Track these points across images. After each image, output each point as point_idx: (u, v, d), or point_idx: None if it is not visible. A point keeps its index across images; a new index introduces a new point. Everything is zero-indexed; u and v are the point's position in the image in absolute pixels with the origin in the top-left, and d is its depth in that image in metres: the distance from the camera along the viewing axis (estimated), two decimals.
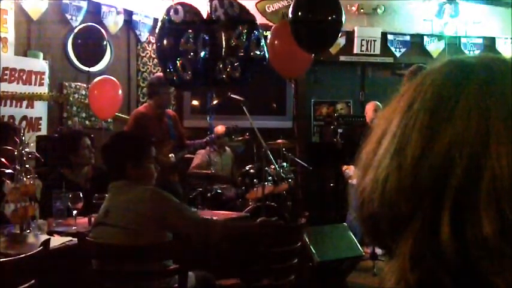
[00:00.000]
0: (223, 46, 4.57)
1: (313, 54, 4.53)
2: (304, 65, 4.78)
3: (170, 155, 4.85)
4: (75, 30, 5.22)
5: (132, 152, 2.78)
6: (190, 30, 4.53)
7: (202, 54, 4.56)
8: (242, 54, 4.54)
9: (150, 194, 2.67)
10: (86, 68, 5.28)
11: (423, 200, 0.53)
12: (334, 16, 4.16)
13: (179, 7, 4.57)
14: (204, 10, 4.68)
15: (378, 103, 6.08)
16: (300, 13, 4.21)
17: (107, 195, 2.87)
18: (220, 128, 5.72)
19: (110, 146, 2.88)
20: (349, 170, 5.91)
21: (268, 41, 4.50)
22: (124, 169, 2.72)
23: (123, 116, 6.05)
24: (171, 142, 4.88)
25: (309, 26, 4.20)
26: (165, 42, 4.58)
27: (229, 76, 4.56)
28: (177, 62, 4.52)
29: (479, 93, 0.54)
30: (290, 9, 4.31)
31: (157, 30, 4.71)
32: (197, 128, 6.05)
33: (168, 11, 4.58)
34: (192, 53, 4.53)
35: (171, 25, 4.54)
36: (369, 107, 6.16)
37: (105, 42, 5.23)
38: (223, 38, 4.58)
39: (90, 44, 5.14)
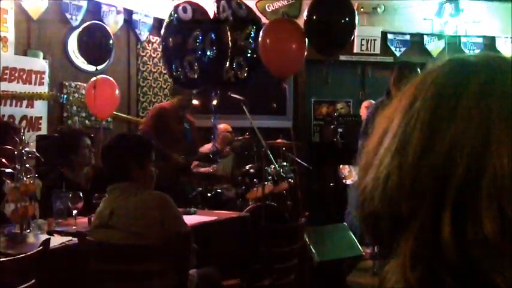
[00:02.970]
0: (230, 46, 4.57)
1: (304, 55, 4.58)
2: (297, 65, 4.77)
3: (182, 157, 4.94)
4: (80, 29, 5.17)
5: (138, 153, 2.76)
6: (199, 30, 4.54)
7: (209, 53, 4.57)
8: (249, 55, 4.55)
9: (160, 200, 2.67)
10: (93, 67, 5.25)
11: (424, 199, 0.53)
12: (347, 19, 4.24)
13: (187, 6, 4.57)
14: (211, 10, 4.67)
15: (373, 101, 6.08)
16: (314, 16, 4.27)
17: (106, 195, 2.83)
18: (223, 126, 5.73)
19: (115, 146, 2.82)
20: (344, 170, 5.91)
21: (259, 40, 4.49)
22: (129, 171, 2.69)
23: (122, 115, 6.06)
24: (185, 144, 4.96)
25: (323, 28, 4.26)
26: (172, 40, 4.57)
27: (236, 76, 4.56)
28: (184, 60, 4.52)
29: (480, 93, 0.54)
30: (305, 12, 4.38)
31: (163, 29, 4.70)
32: (198, 128, 6.04)
33: (176, 9, 4.57)
34: (199, 52, 4.54)
35: (179, 23, 4.54)
36: (363, 106, 6.15)
37: (111, 41, 5.19)
38: (231, 38, 4.58)
39: (96, 43, 5.10)
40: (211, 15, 4.65)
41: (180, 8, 4.55)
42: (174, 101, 5.05)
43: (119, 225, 2.61)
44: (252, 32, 4.53)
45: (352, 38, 7.11)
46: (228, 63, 4.55)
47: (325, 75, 6.77)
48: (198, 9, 4.63)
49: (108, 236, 2.62)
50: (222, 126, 5.73)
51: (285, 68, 4.53)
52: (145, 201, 2.66)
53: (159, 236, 2.59)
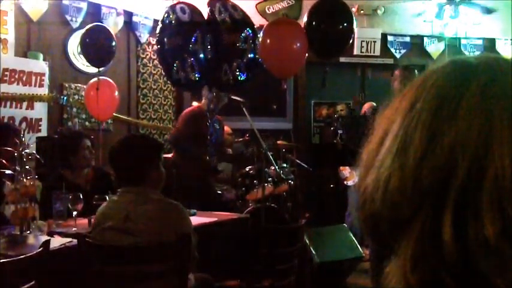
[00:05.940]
0: (229, 48, 4.59)
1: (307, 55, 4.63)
2: (297, 65, 4.79)
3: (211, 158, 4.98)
4: (83, 30, 5.18)
5: (154, 154, 2.72)
6: (198, 31, 4.54)
7: (208, 55, 4.57)
8: (248, 57, 4.56)
9: (177, 210, 2.65)
10: (94, 69, 5.24)
11: (425, 201, 0.53)
12: (345, 24, 4.34)
13: (185, 7, 4.57)
14: (204, 12, 4.67)
15: (373, 103, 6.08)
16: (314, 21, 4.33)
17: (116, 197, 2.75)
18: (225, 129, 5.73)
19: (131, 149, 2.71)
20: (345, 171, 5.91)
21: (260, 40, 4.50)
22: (144, 173, 2.64)
23: (122, 117, 6.05)
24: (212, 145, 5.00)
25: (323, 33, 4.35)
26: (170, 41, 4.57)
27: (234, 78, 4.57)
28: (184, 62, 4.52)
29: (481, 94, 0.54)
30: (305, 17, 4.45)
31: (159, 30, 4.68)
32: None
33: (172, 9, 4.56)
34: (198, 54, 4.54)
35: (177, 24, 4.54)
36: (365, 108, 6.16)
37: (114, 43, 5.19)
38: (229, 40, 4.59)
39: (99, 44, 5.09)
40: (205, 17, 4.67)
41: (178, 8, 4.54)
42: (203, 104, 5.09)
43: (135, 231, 2.58)
44: (249, 34, 4.54)
45: (352, 39, 7.16)
46: (226, 65, 4.56)
47: (322, 79, 6.80)
48: (195, 11, 4.63)
49: (120, 239, 2.60)
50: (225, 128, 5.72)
51: (286, 68, 4.55)
52: (164, 210, 2.63)
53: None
